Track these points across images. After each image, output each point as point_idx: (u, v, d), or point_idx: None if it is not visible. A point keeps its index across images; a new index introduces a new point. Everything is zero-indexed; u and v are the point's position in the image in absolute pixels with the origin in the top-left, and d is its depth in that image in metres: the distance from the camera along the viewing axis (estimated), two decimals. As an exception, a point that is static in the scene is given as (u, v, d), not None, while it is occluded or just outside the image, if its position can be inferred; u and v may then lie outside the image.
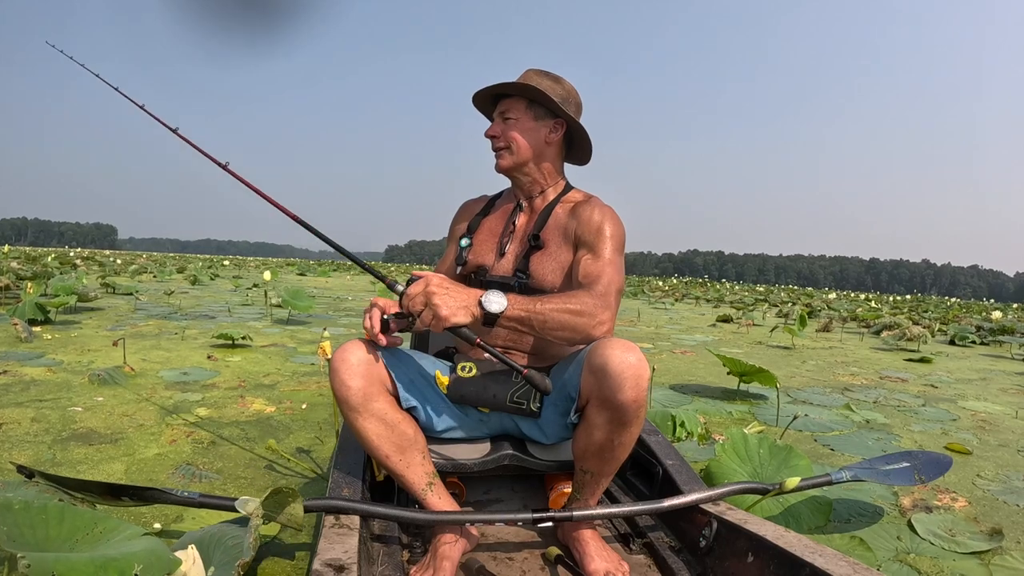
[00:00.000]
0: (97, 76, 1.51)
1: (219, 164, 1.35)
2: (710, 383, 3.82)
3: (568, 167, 1.57)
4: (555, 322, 1.20)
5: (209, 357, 3.79)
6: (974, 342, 7.79)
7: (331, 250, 1.29)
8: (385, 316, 1.23)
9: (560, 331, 1.21)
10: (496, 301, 1.16)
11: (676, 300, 15.60)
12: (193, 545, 1.01)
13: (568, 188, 1.52)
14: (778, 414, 2.97)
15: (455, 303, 1.14)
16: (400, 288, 1.19)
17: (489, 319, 1.16)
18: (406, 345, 1.54)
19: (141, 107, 1.43)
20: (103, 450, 2.06)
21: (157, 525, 1.49)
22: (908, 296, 42.06)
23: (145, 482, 1.80)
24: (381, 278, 1.28)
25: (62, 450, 2.03)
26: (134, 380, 3.08)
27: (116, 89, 1.49)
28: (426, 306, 1.13)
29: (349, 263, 15.73)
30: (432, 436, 1.39)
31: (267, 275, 7.15)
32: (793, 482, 1.44)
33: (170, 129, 1.37)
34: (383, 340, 1.24)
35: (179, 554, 0.98)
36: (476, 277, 1.47)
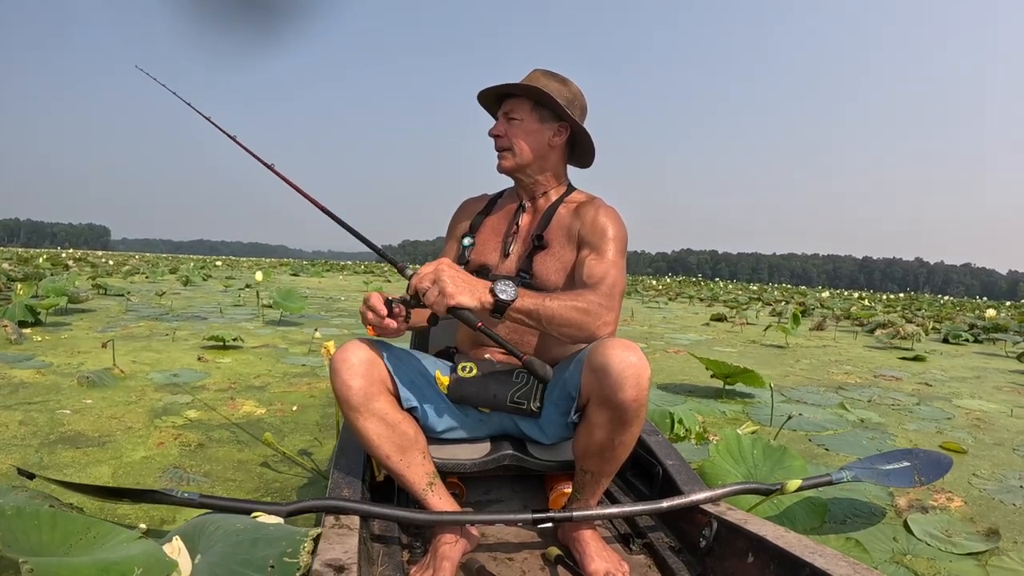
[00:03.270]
0: (187, 104, 1.55)
1: (266, 165, 1.38)
2: (703, 382, 3.82)
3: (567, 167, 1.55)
4: (562, 318, 1.20)
5: (199, 359, 3.76)
6: (967, 340, 7.84)
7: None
8: (389, 299, 1.22)
9: (566, 328, 1.21)
10: (507, 290, 1.17)
11: (670, 299, 15.64)
12: (178, 536, 1.00)
13: (571, 189, 1.51)
14: (772, 413, 2.97)
15: (463, 284, 1.15)
16: (410, 272, 1.21)
17: (500, 306, 1.16)
18: (406, 345, 1.52)
19: (207, 119, 1.48)
20: (90, 453, 2.03)
21: (143, 526, 1.48)
22: (901, 294, 42.31)
23: (132, 485, 1.78)
24: (393, 262, 1.33)
25: (49, 453, 2.01)
26: (123, 382, 3.04)
27: (197, 111, 1.53)
28: (434, 283, 1.13)
29: (342, 264, 15.91)
30: (432, 436, 1.38)
31: (259, 276, 7.12)
32: (795, 484, 1.43)
33: (229, 136, 1.43)
34: (393, 324, 1.22)
35: (165, 547, 0.97)
36: (479, 276, 1.46)
